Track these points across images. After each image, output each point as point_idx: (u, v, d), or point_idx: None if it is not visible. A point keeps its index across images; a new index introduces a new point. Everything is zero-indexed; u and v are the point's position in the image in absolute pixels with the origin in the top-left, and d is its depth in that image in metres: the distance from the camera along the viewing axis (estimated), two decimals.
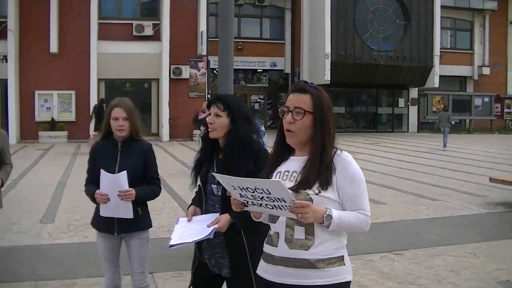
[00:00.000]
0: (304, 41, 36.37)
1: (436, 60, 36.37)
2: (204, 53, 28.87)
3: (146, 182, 4.74)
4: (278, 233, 3.03)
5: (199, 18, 29.03)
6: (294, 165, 3.07)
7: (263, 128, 18.80)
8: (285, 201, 2.74)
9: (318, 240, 2.94)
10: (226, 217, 3.74)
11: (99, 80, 28.06)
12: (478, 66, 41.85)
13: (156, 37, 28.72)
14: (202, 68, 29.58)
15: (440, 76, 36.81)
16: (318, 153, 2.97)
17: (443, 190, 13.65)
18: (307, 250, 2.94)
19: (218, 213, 3.84)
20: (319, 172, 2.95)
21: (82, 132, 26.57)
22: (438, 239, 8.93)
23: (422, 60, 36.07)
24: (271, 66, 38.62)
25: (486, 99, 40.07)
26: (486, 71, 41.64)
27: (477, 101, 39.79)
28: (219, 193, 3.85)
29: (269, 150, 3.91)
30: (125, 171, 4.45)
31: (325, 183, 2.94)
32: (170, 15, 28.13)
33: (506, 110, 41.59)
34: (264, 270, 3.14)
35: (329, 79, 33.27)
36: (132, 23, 28.57)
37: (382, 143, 28.46)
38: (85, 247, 7.95)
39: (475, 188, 13.90)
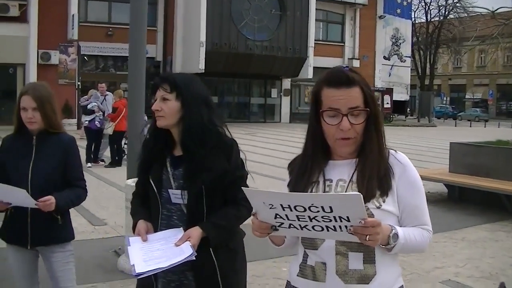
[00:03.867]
0: (178, 29, 35.37)
1: (310, 51, 36.69)
2: (75, 38, 27.53)
3: (67, 184, 3.79)
4: (324, 263, 2.27)
5: (70, 1, 27.49)
6: (337, 171, 2.33)
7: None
8: (348, 221, 1.99)
9: (380, 268, 2.25)
10: (197, 231, 2.87)
11: None
12: (348, 59, 42.78)
13: (22, 18, 26.88)
14: (73, 53, 28.31)
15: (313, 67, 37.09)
16: (376, 156, 2.27)
17: None
18: (368, 284, 2.24)
19: (180, 228, 2.95)
20: (379, 179, 2.24)
21: None
22: None
23: (297, 51, 36.23)
24: None
25: None
26: (356, 63, 42.58)
27: None
28: (184, 201, 2.96)
29: None
30: (24, 190, 3.47)
31: (387, 193, 2.24)
32: None
33: None
34: None
35: (204, 68, 32.61)
36: None
37: (258, 134, 28.18)
38: None
39: None
